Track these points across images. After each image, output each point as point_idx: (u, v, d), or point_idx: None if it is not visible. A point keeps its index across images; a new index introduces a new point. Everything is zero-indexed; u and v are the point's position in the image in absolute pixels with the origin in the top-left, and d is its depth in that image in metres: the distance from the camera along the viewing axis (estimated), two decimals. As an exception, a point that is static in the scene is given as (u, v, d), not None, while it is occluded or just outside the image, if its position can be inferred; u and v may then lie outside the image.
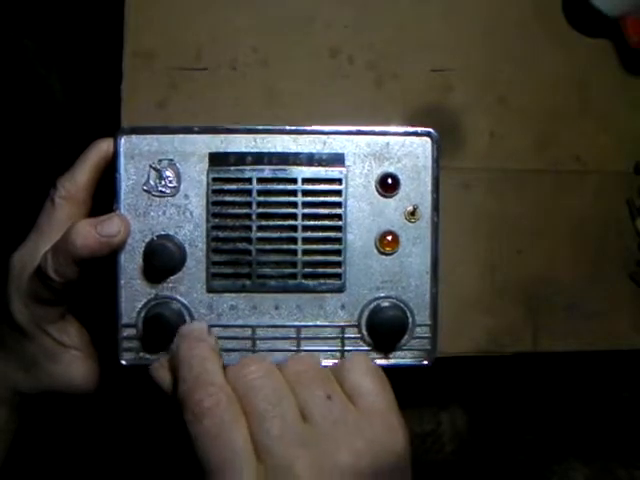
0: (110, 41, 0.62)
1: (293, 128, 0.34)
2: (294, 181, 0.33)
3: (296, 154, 0.33)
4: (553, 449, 0.86)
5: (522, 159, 0.66)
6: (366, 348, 0.35)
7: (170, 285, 0.34)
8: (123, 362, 0.35)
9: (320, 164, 0.34)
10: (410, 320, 0.34)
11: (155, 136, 0.34)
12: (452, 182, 0.64)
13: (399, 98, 0.64)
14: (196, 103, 0.62)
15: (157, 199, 0.34)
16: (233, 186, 0.33)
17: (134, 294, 0.34)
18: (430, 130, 0.34)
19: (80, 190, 0.37)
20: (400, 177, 0.34)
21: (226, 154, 0.33)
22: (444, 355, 0.61)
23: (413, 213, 0.34)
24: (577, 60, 0.66)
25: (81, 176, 0.37)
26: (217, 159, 0.33)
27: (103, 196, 0.35)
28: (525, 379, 0.87)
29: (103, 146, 0.37)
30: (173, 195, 0.34)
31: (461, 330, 0.64)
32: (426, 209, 0.34)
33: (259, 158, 0.33)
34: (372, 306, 0.34)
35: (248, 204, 0.33)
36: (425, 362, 0.35)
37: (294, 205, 0.33)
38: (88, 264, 0.34)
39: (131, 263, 0.34)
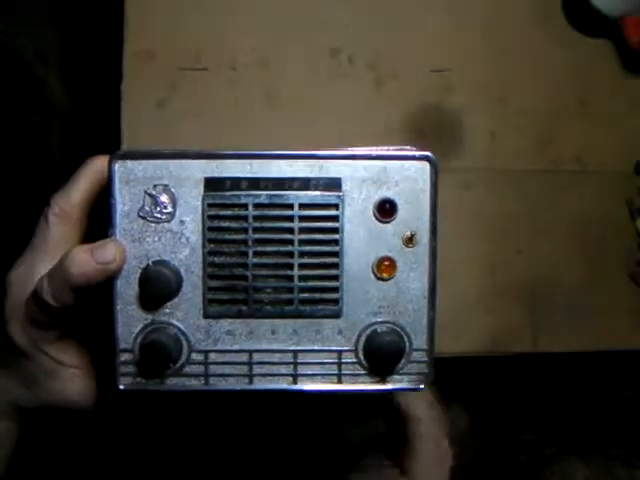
0: (110, 41, 0.62)
1: (289, 153, 0.33)
2: (290, 207, 0.33)
3: (292, 179, 0.33)
4: (553, 449, 0.86)
5: (522, 159, 0.66)
6: (363, 373, 0.35)
7: (166, 310, 0.34)
8: (121, 387, 0.35)
9: (316, 189, 0.33)
10: (407, 345, 0.34)
11: (150, 161, 0.33)
12: (452, 182, 0.64)
13: (399, 98, 0.64)
14: (196, 103, 0.62)
15: (153, 225, 0.33)
16: (229, 212, 0.33)
17: (130, 319, 0.34)
18: (428, 154, 0.34)
19: (74, 208, 0.36)
20: (398, 202, 0.33)
21: (221, 179, 0.33)
22: (444, 355, 0.61)
23: (411, 239, 0.34)
24: (577, 60, 0.66)
25: (75, 194, 0.36)
26: (212, 184, 0.33)
27: (100, 215, 0.35)
28: (525, 379, 0.87)
29: (97, 163, 0.36)
30: (169, 221, 0.33)
31: (461, 330, 0.64)
32: (424, 234, 0.34)
33: (255, 183, 0.33)
34: (369, 331, 0.34)
35: (244, 230, 0.33)
36: (421, 386, 0.35)
37: (290, 231, 0.33)
38: (85, 289, 0.34)
39: (127, 289, 0.34)
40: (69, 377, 0.38)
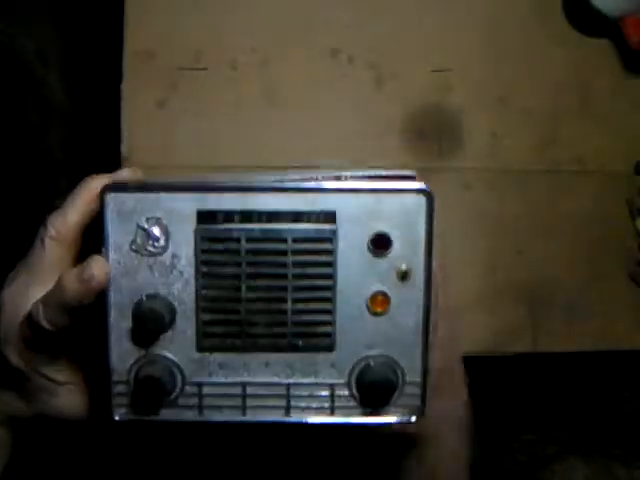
0: (110, 41, 0.62)
1: (283, 186, 0.33)
2: (284, 240, 0.32)
3: (285, 212, 0.32)
4: (553, 449, 0.86)
5: (522, 159, 0.66)
6: (355, 405, 0.35)
7: (160, 343, 0.34)
8: (116, 418, 0.35)
9: (310, 222, 0.33)
10: (400, 378, 0.34)
11: (142, 194, 0.33)
12: (452, 182, 0.64)
13: (399, 98, 0.64)
14: (196, 103, 0.62)
15: (145, 258, 0.33)
16: (221, 245, 0.33)
17: (124, 352, 0.34)
18: (425, 187, 0.33)
19: (70, 230, 0.36)
20: (392, 236, 0.33)
21: (214, 212, 0.33)
22: (444, 355, 0.61)
23: (405, 274, 0.33)
24: (577, 60, 0.66)
25: (72, 216, 0.36)
26: (205, 217, 0.33)
27: (96, 238, 0.34)
28: (525, 379, 0.87)
29: (94, 183, 0.36)
30: (161, 254, 0.33)
31: (461, 330, 0.64)
32: (419, 269, 0.33)
33: (248, 216, 0.32)
34: (362, 364, 0.34)
35: (237, 263, 0.33)
36: (413, 418, 0.35)
37: (284, 265, 0.33)
38: (80, 312, 0.34)
39: (121, 322, 0.34)
40: (64, 393, 0.38)
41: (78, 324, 0.35)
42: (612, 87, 0.67)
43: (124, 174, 0.37)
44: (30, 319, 0.35)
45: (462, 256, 0.64)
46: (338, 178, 0.33)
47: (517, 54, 0.65)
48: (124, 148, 0.61)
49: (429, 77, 0.64)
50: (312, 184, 0.33)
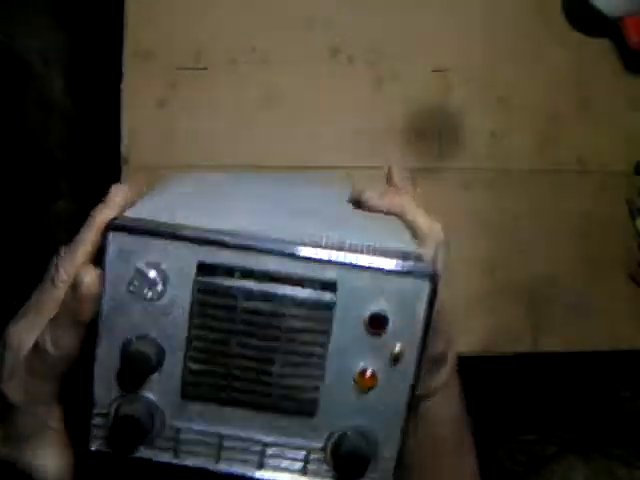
0: (110, 41, 0.62)
1: (288, 251, 0.32)
2: (281, 303, 0.32)
3: (287, 276, 0.32)
4: (553, 449, 0.86)
5: (522, 159, 0.66)
6: (328, 472, 0.35)
7: (145, 384, 0.34)
8: (92, 448, 0.35)
9: (311, 288, 0.33)
10: (375, 453, 0.34)
11: (145, 238, 0.33)
12: (452, 182, 0.64)
13: (399, 98, 0.64)
14: (196, 103, 0.62)
15: (141, 301, 0.33)
16: (218, 300, 0.33)
17: (109, 386, 0.34)
18: (431, 272, 0.32)
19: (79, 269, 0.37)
20: (390, 317, 0.32)
21: (215, 266, 0.32)
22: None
23: (398, 356, 0.33)
24: (577, 60, 0.66)
25: (80, 257, 0.37)
26: (205, 269, 0.33)
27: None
28: (525, 379, 0.87)
29: (99, 219, 0.36)
30: (158, 299, 0.33)
31: (461, 330, 0.64)
32: (412, 352, 0.33)
33: (248, 274, 0.32)
34: (340, 434, 0.34)
35: (232, 319, 0.33)
36: None
37: (278, 327, 0.33)
38: (82, 337, 0.35)
39: (108, 358, 0.34)
40: (49, 440, 0.39)
41: (79, 362, 0.36)
42: (612, 87, 0.67)
43: (118, 198, 0.37)
44: (36, 347, 0.35)
45: (462, 256, 0.64)
46: (341, 247, 0.33)
47: (517, 54, 0.66)
48: (124, 148, 0.61)
49: (429, 77, 0.64)
50: (317, 252, 0.32)
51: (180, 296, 0.33)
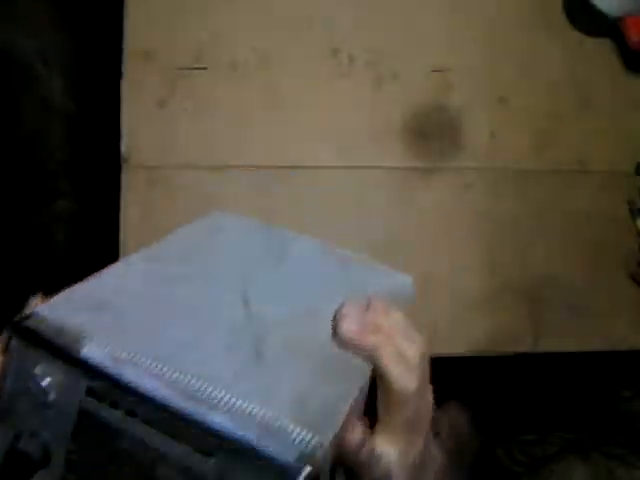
0: (110, 41, 0.62)
1: (170, 406, 0.31)
2: (157, 455, 0.31)
3: (167, 430, 0.31)
4: (553, 449, 0.86)
5: (522, 159, 0.66)
6: None
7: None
8: None
9: (186, 446, 0.32)
10: None
11: (43, 352, 0.33)
12: (452, 182, 0.64)
13: (399, 98, 0.64)
14: (196, 103, 0.62)
15: (34, 404, 0.33)
16: (97, 432, 0.33)
17: None
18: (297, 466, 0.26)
19: None
20: None
21: (102, 395, 0.32)
22: (444, 355, 0.61)
23: None
24: (577, 60, 0.66)
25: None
26: (93, 395, 0.33)
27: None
28: (525, 379, 0.87)
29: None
30: (49, 407, 0.33)
31: (461, 330, 0.64)
32: None
33: (132, 414, 0.32)
34: None
35: (104, 452, 0.32)
36: None
37: (150, 476, 0.32)
38: None
39: None
40: None
41: None
42: (612, 87, 0.67)
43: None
44: None
45: (462, 256, 0.64)
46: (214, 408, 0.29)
47: (517, 54, 0.66)
48: (124, 148, 0.61)
49: (429, 77, 0.64)
50: (197, 411, 0.31)
51: (67, 409, 0.32)
